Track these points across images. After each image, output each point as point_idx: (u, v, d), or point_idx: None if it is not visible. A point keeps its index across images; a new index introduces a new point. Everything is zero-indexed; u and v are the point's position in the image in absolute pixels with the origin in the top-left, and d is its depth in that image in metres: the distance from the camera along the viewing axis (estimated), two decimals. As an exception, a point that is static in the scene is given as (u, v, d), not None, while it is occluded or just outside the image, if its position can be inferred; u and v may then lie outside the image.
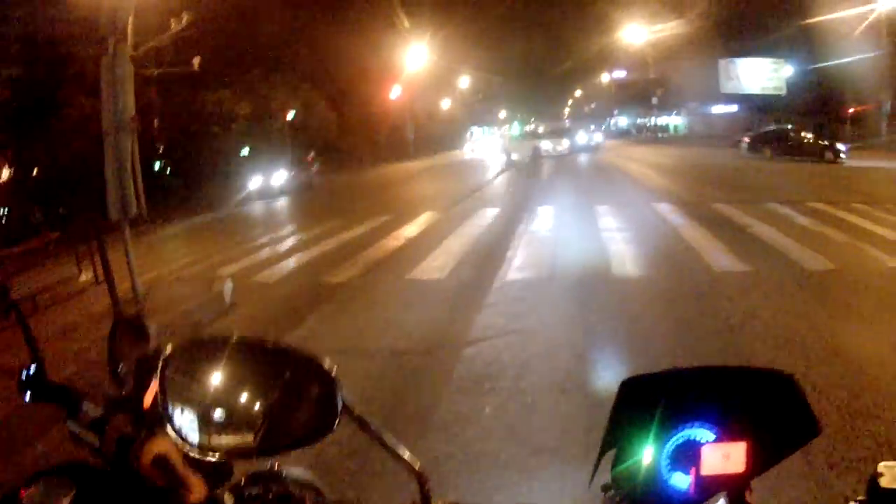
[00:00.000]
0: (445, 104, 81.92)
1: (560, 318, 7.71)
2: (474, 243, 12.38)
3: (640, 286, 8.89)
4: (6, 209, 66.28)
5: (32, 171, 58.29)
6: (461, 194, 21.70)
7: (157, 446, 1.34)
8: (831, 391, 5.03)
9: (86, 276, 13.03)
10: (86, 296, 12.07)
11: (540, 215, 14.71)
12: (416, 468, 1.06)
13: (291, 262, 13.11)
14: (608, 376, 5.63)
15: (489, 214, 15.53)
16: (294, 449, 1.04)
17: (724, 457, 0.99)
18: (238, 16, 57.11)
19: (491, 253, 11.39)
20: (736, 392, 1.03)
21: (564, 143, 47.29)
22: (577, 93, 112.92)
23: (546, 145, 47.17)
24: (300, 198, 33.39)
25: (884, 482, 0.93)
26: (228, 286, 10.63)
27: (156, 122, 53.31)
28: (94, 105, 47.69)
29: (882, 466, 0.95)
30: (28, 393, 1.84)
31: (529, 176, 29.17)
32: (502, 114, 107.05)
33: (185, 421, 1.09)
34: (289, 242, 16.09)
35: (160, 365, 1.10)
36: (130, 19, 10.83)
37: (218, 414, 1.06)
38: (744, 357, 5.83)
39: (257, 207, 33.17)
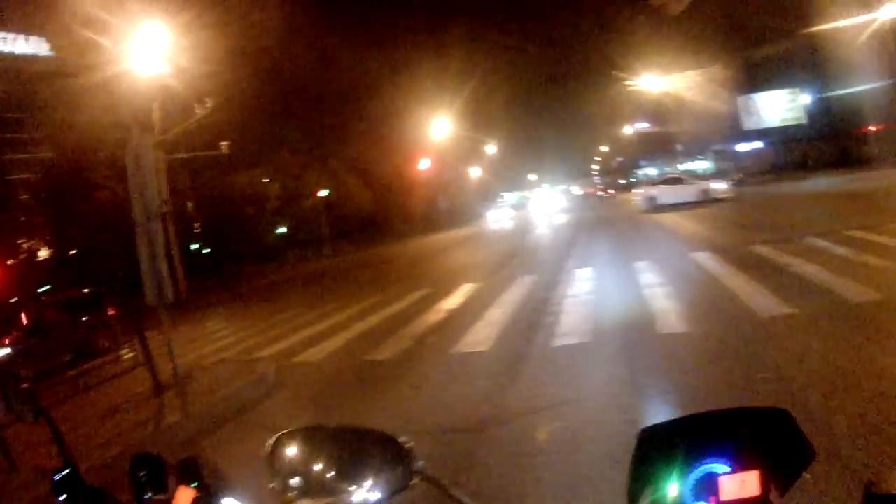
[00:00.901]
0: (475, 172, 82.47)
1: (608, 381, 7.55)
2: (516, 312, 12.21)
3: (686, 341, 8.65)
4: (47, 287, 67.45)
5: (69, 251, 59.28)
6: (497, 263, 21.67)
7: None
8: (891, 430, 4.84)
9: (127, 358, 13.09)
10: (128, 377, 12.04)
11: (578, 278, 14.59)
12: None
13: (333, 341, 12.99)
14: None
15: (527, 281, 15.42)
16: None
17: (740, 484, 1.12)
18: (264, 100, 58.16)
19: (533, 321, 11.20)
20: (743, 429, 1.19)
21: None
22: (604, 148, 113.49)
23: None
24: (339, 274, 32.90)
25: (877, 489, 1.02)
26: (271, 369, 10.58)
27: (189, 204, 54.16)
28: (125, 188, 48.72)
29: (876, 474, 1.05)
30: (63, 496, 1.84)
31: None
32: (532, 176, 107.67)
33: None
34: (330, 320, 15.99)
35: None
36: (156, 107, 10.93)
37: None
38: (798, 404, 5.57)
39: (297, 284, 33.41)
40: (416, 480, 1.39)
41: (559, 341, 9.53)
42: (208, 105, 39.83)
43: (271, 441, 1.55)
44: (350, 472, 1.44)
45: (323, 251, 65.02)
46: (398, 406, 8.01)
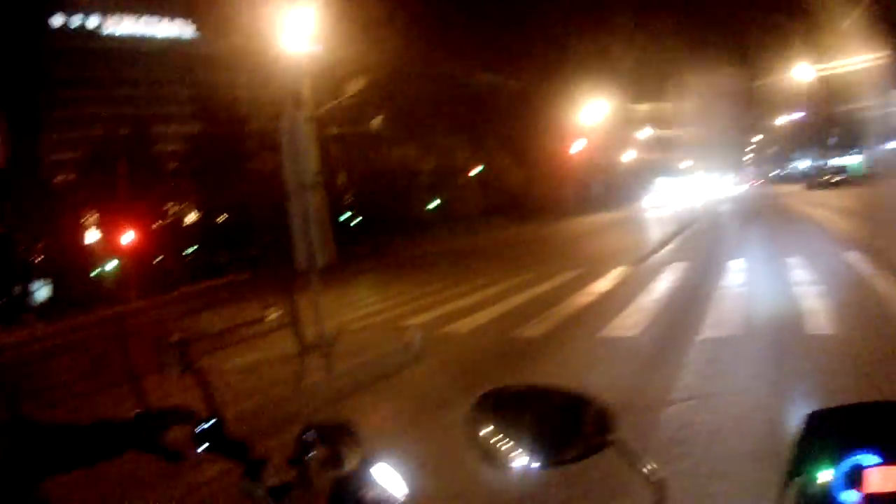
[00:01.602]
0: (628, 156, 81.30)
1: (752, 378, 7.20)
2: (667, 300, 11.88)
3: (834, 344, 8.12)
4: (193, 249, 70.23)
5: (218, 218, 61.58)
6: (650, 248, 21.19)
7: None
8: None
9: (272, 319, 13.37)
10: (274, 336, 12.34)
11: (730, 269, 14.02)
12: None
13: (481, 315, 12.97)
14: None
15: (679, 269, 15.04)
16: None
17: (888, 477, 1.08)
18: (419, 77, 58.64)
19: (683, 310, 10.86)
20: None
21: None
22: (757, 138, 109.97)
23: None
24: (489, 250, 32.82)
25: None
26: (417, 336, 10.56)
27: (340, 177, 55.31)
28: (275, 159, 50.13)
29: None
30: (204, 444, 1.81)
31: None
32: (686, 163, 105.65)
33: None
34: (479, 295, 16.00)
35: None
36: (307, 83, 10.97)
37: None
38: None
39: (447, 257, 33.55)
40: (609, 445, 1.29)
41: (707, 333, 9.21)
42: (360, 82, 40.40)
43: (475, 399, 1.43)
44: (553, 433, 1.38)
45: (474, 227, 65.37)
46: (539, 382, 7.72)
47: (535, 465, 1.28)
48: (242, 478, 1.61)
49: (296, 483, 1.54)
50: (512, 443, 1.32)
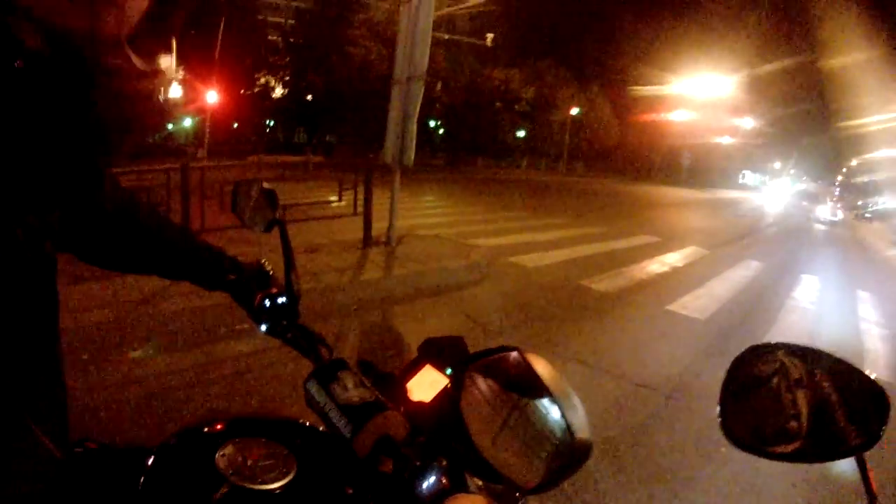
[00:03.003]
0: (724, 140, 79.88)
1: None
2: (737, 293, 11.59)
3: (892, 393, 7.67)
4: (273, 123, 70.91)
5: (305, 96, 61.95)
6: (728, 237, 20.90)
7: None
8: None
9: (343, 205, 13.34)
10: (339, 222, 12.58)
11: (802, 283, 13.68)
12: None
13: (552, 254, 12.94)
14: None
15: (753, 266, 14.69)
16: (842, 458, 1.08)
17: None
18: (539, 4, 57.98)
19: (751, 309, 10.59)
20: None
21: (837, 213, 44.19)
22: (854, 162, 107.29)
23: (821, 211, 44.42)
24: (568, 193, 32.60)
25: None
26: (485, 258, 10.68)
27: (439, 84, 55.16)
28: (379, 51, 50.21)
29: None
30: (266, 325, 1.67)
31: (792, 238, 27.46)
32: (777, 164, 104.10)
33: None
34: (552, 234, 16.00)
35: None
36: None
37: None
38: None
39: (524, 189, 33.58)
40: None
41: (769, 339, 8.67)
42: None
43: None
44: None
45: (556, 167, 65.22)
46: (600, 340, 7.78)
47: None
48: (309, 379, 1.37)
49: (375, 406, 1.26)
50: None
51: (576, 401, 1.03)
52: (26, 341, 1.03)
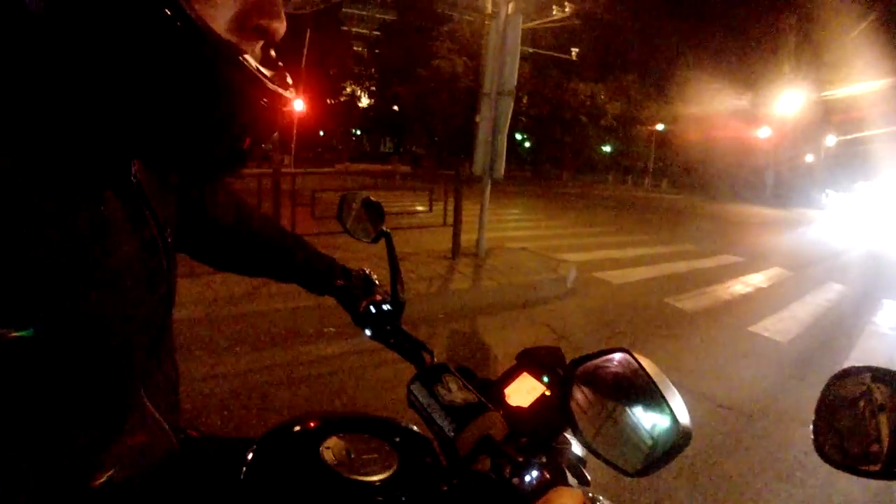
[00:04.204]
0: (810, 157, 78.26)
1: None
2: (819, 316, 11.33)
3: None
4: (359, 131, 71.77)
5: (391, 106, 62.78)
6: (811, 258, 20.36)
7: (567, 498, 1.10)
8: None
9: (433, 215, 13.48)
10: (429, 232, 12.77)
11: (884, 309, 13.09)
12: None
13: (637, 271, 12.95)
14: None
15: (835, 289, 14.27)
16: None
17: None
18: (623, 21, 57.67)
19: (832, 333, 10.34)
20: None
21: None
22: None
23: None
24: (654, 210, 32.56)
25: None
26: (571, 273, 10.67)
27: (525, 97, 55.32)
28: (465, 64, 50.39)
29: None
30: (370, 330, 1.76)
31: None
32: (863, 183, 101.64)
33: None
34: (637, 250, 15.95)
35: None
36: None
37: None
38: None
39: (610, 204, 33.63)
40: None
41: (850, 364, 8.49)
42: (567, 10, 39.74)
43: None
44: None
45: (642, 182, 64.87)
46: (683, 359, 7.81)
47: None
48: (412, 382, 1.46)
49: (478, 408, 1.34)
50: None
51: (677, 394, 1.09)
52: (145, 319, 1.09)
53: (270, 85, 0.91)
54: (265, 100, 0.91)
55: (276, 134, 1.01)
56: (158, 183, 1.14)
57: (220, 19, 0.86)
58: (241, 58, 0.87)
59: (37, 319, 0.78)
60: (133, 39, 0.79)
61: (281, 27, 0.94)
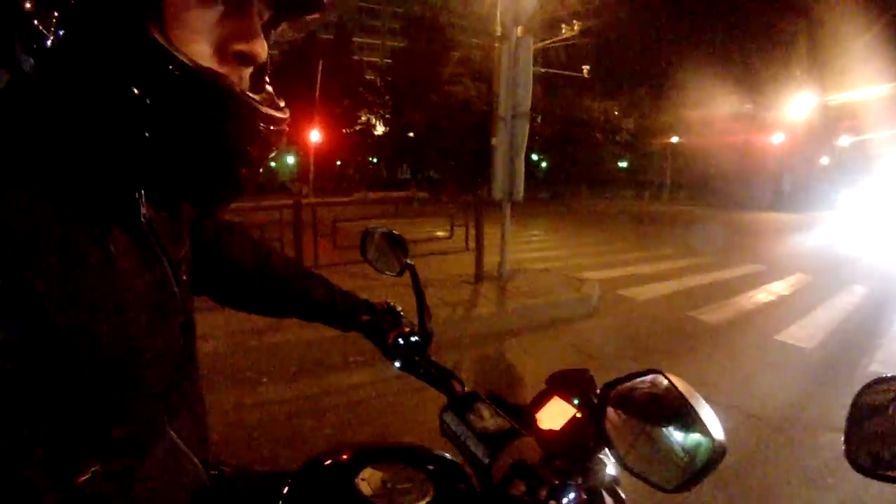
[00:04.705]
0: (824, 160, 77.87)
1: None
2: (843, 320, 11.29)
3: None
4: (376, 159, 72.09)
5: (406, 133, 63.02)
6: (832, 262, 20.11)
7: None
8: None
9: (454, 240, 13.52)
10: (451, 258, 12.78)
11: None
12: None
13: (659, 286, 12.94)
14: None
15: (857, 292, 14.18)
16: None
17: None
18: (632, 35, 57.86)
19: (857, 336, 10.29)
20: None
21: None
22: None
23: None
24: (672, 223, 32.50)
25: None
26: (595, 291, 10.71)
27: (539, 118, 55.41)
28: (478, 88, 50.56)
29: None
30: (400, 361, 1.79)
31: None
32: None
33: None
34: (659, 265, 15.99)
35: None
36: (532, 11, 10.95)
37: None
38: None
39: (629, 220, 33.85)
40: None
41: (876, 367, 8.67)
42: (576, 28, 39.91)
43: None
44: None
45: (660, 196, 64.82)
46: (709, 371, 7.82)
47: None
48: (445, 411, 1.51)
49: (511, 433, 1.41)
50: None
51: (710, 410, 1.11)
52: (172, 356, 1.16)
53: (259, 106, 0.96)
54: (258, 122, 0.97)
55: (272, 159, 1.05)
56: (171, 224, 1.20)
57: (202, 51, 0.92)
58: (223, 82, 0.92)
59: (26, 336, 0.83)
60: (116, 82, 0.85)
61: (262, 50, 0.99)
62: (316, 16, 1.13)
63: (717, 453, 1.07)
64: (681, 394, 1.11)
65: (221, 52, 0.95)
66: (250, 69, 1.01)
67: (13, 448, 0.83)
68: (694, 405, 1.10)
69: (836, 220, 44.58)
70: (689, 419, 1.11)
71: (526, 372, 7.23)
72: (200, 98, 0.88)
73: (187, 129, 0.89)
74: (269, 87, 1.10)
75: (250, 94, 0.96)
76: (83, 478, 0.93)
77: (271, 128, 0.99)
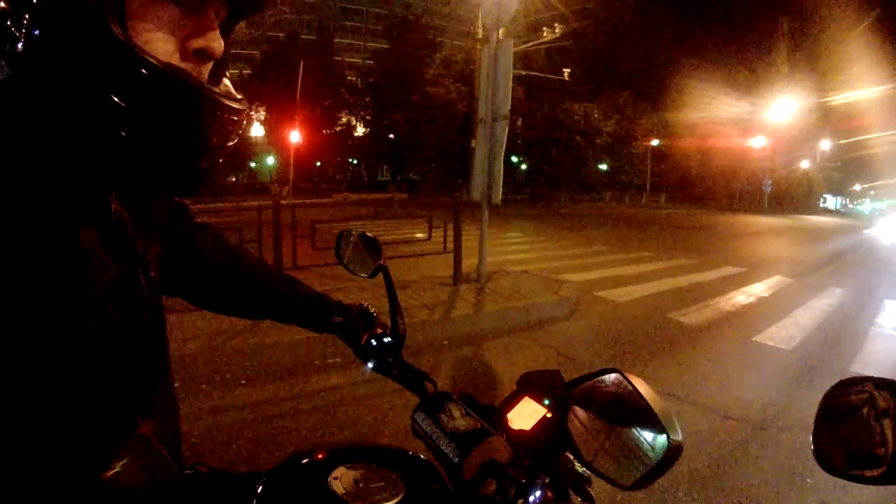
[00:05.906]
0: (805, 163, 78.49)
1: None
2: (822, 321, 11.43)
3: None
4: (356, 160, 72.07)
5: (387, 135, 63.08)
6: (811, 264, 20.53)
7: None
8: None
9: (432, 242, 13.55)
10: (429, 259, 12.67)
11: (886, 310, 13.20)
12: None
13: (639, 288, 13.01)
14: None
15: (836, 294, 14.37)
16: None
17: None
18: (613, 38, 58.21)
19: (836, 337, 10.43)
20: None
21: None
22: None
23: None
24: (652, 226, 32.84)
25: None
26: (573, 293, 10.75)
27: (520, 120, 55.57)
28: (458, 90, 50.64)
29: None
30: (373, 363, 1.78)
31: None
32: (858, 186, 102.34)
33: None
34: (638, 267, 16.09)
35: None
36: (514, 13, 10.95)
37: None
38: None
39: (610, 222, 34.02)
40: None
41: (856, 367, 8.83)
42: (557, 31, 40.00)
43: None
44: None
45: (640, 199, 65.09)
46: (688, 373, 7.81)
47: None
48: (416, 412, 1.48)
49: (481, 433, 1.36)
50: None
51: (670, 410, 1.14)
52: (141, 352, 1.16)
53: (221, 98, 1.01)
54: (222, 114, 1.01)
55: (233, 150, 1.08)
56: (141, 223, 1.21)
57: (164, 49, 0.96)
58: (187, 77, 0.95)
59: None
60: (84, 81, 0.88)
61: (219, 46, 1.04)
62: (269, 11, 1.19)
63: (673, 452, 1.09)
64: (639, 393, 1.14)
65: (182, 49, 0.98)
66: (210, 65, 1.06)
67: None
68: (651, 404, 1.12)
69: (813, 224, 44.98)
70: (646, 418, 1.13)
71: (503, 373, 7.23)
72: (167, 94, 0.92)
73: (155, 125, 0.92)
74: (226, 81, 1.15)
75: (211, 88, 1.01)
76: (56, 477, 0.93)
77: (234, 118, 1.03)
